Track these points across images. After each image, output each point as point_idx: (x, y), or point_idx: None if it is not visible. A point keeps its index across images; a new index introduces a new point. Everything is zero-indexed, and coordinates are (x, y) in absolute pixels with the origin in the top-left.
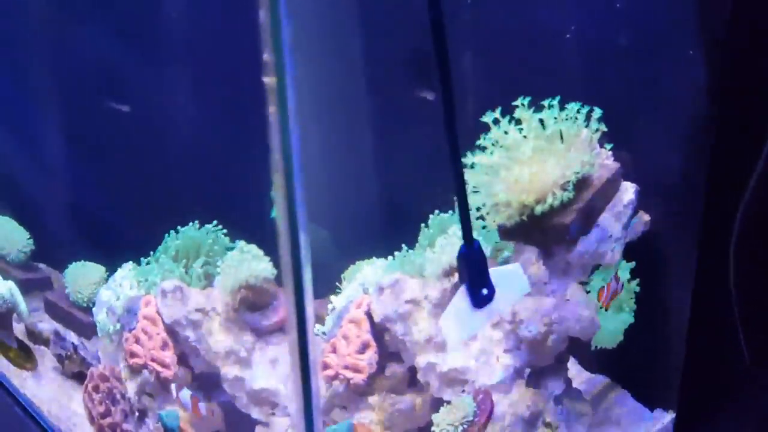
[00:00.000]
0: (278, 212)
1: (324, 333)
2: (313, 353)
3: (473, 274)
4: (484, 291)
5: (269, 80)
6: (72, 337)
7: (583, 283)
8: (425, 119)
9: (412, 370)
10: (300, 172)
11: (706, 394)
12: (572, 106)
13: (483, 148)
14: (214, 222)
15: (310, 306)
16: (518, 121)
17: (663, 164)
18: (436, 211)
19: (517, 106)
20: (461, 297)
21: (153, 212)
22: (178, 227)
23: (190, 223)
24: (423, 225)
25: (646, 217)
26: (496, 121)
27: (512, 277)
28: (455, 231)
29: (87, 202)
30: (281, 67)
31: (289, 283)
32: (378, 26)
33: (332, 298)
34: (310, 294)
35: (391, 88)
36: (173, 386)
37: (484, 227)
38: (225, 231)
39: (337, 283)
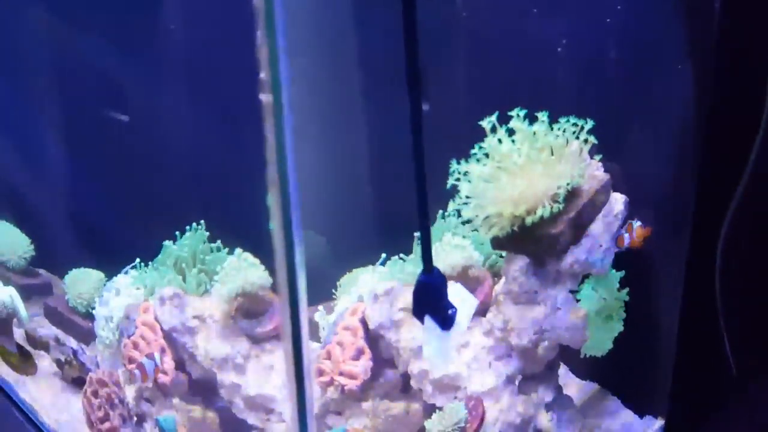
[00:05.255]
0: (274, 222)
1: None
2: (307, 360)
3: (437, 300)
4: (449, 311)
5: (265, 97)
6: (71, 342)
7: (574, 292)
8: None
9: (406, 377)
10: (295, 184)
11: (695, 402)
12: (563, 118)
13: (476, 159)
14: (212, 230)
15: (305, 314)
16: (511, 132)
17: (652, 175)
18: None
19: (510, 118)
20: (431, 327)
21: (152, 219)
22: (177, 234)
23: (189, 231)
24: (417, 233)
25: None
26: (491, 130)
27: (458, 292)
28: (449, 239)
29: (87, 209)
30: (277, 83)
31: (284, 292)
32: (378, 34)
33: (321, 308)
34: (304, 302)
35: (390, 96)
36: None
37: (482, 243)
38: (222, 239)
39: (333, 290)
